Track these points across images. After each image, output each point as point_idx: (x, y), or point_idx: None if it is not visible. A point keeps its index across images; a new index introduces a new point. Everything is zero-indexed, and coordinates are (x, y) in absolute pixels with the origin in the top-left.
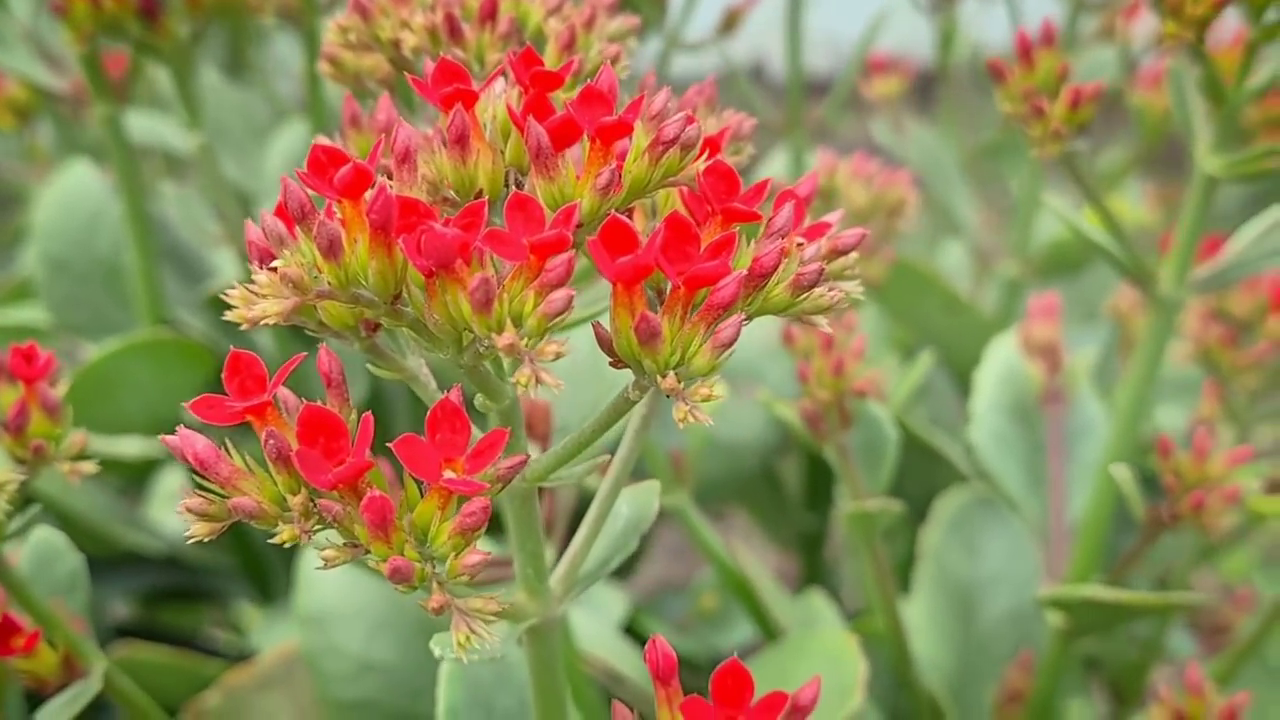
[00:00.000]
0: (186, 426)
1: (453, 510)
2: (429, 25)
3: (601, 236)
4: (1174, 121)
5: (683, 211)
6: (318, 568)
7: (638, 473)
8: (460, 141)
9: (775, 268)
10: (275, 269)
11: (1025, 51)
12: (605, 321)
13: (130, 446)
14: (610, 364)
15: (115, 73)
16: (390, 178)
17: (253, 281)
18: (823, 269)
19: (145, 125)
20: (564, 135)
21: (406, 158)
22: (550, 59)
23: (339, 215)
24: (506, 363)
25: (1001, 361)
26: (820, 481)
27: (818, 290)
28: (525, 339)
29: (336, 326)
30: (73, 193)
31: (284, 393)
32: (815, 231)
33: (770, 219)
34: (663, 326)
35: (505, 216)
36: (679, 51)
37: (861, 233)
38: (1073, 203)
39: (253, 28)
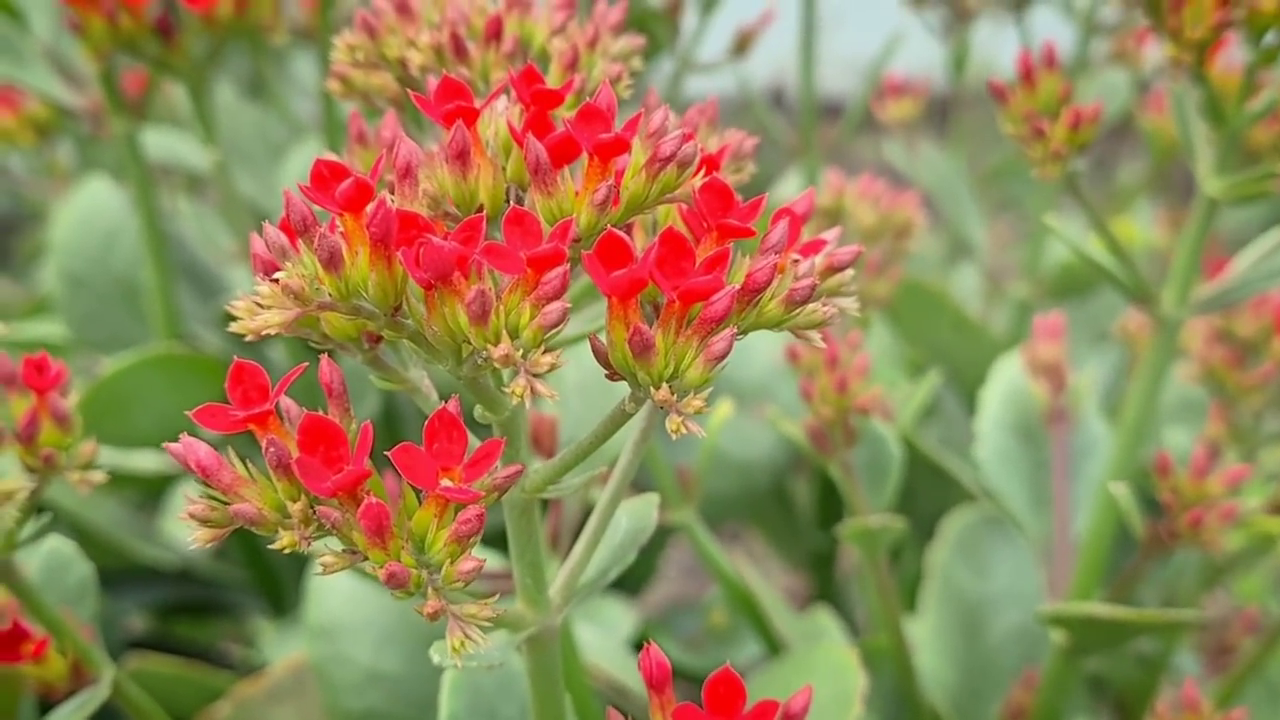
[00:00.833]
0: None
1: (449, 518)
2: (435, 44)
3: (597, 251)
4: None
5: (681, 228)
6: (317, 574)
7: (645, 489)
8: (461, 157)
9: (768, 283)
10: (278, 280)
11: (1027, 73)
12: (593, 340)
13: (145, 461)
14: (606, 376)
15: (133, 90)
16: (393, 192)
17: (257, 294)
18: (815, 284)
19: (163, 143)
20: (563, 152)
21: (408, 172)
22: (553, 78)
23: (341, 228)
24: (507, 375)
25: (1006, 381)
26: (832, 500)
27: (811, 305)
28: (521, 351)
29: (339, 338)
30: (91, 210)
31: (286, 402)
32: (811, 248)
33: (765, 235)
34: (656, 339)
35: (503, 231)
36: (694, 73)
37: (857, 250)
38: (1085, 224)
39: (270, 46)
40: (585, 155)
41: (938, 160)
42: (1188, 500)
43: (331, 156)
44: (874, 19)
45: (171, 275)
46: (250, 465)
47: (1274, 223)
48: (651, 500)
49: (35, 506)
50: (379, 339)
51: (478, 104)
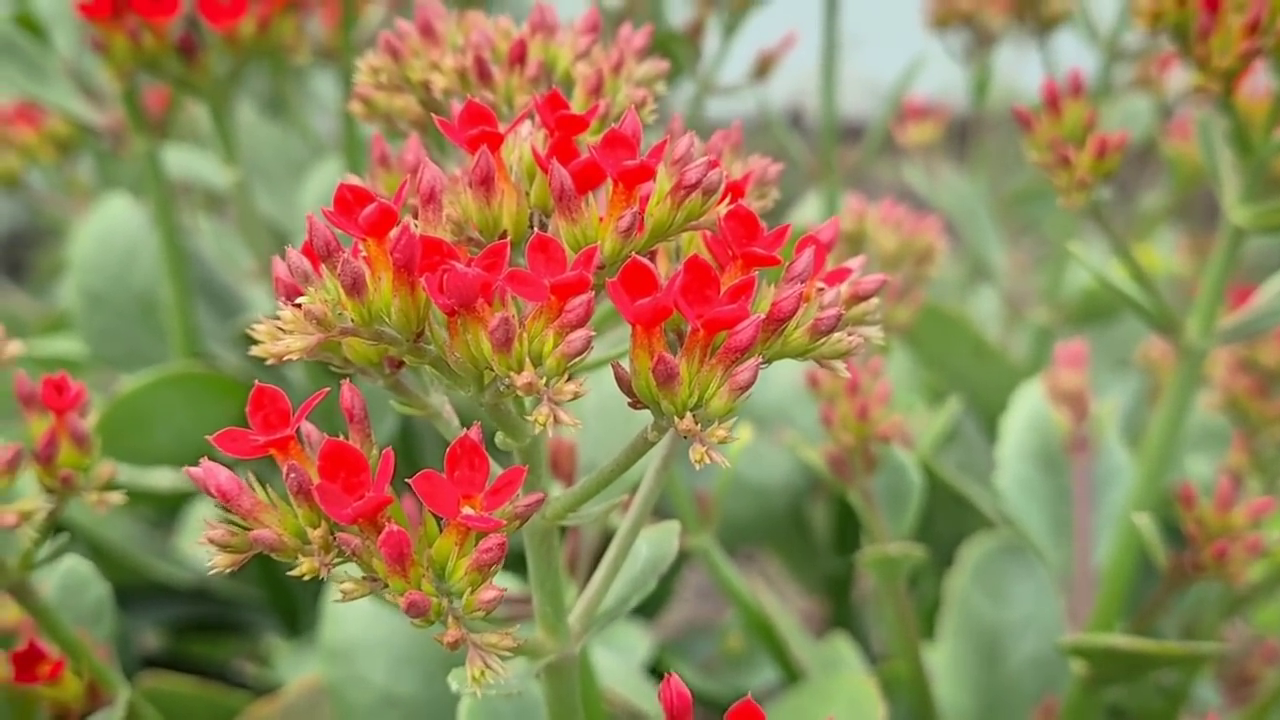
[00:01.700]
0: (214, 460)
1: (470, 546)
2: (459, 67)
3: (621, 278)
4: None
5: (705, 255)
6: (335, 600)
7: (663, 512)
8: (485, 183)
9: (794, 312)
10: (300, 305)
11: (1053, 101)
12: (616, 368)
13: (162, 479)
14: (629, 404)
15: (155, 108)
16: (416, 217)
17: (278, 318)
18: (840, 314)
19: (182, 161)
20: (587, 178)
21: (432, 198)
22: (577, 103)
23: (364, 253)
24: (529, 402)
25: (1028, 408)
26: (849, 526)
27: (836, 335)
28: (544, 378)
29: (361, 363)
30: (111, 227)
31: (307, 427)
32: (836, 276)
33: (790, 264)
34: (681, 368)
35: (527, 257)
36: (714, 96)
37: (882, 279)
38: (1107, 250)
39: (291, 66)
40: (609, 181)
41: (958, 183)
42: (1212, 532)
43: (354, 179)
44: (892, 40)
45: (190, 293)
46: (270, 490)
47: None
48: (672, 529)
49: (53, 527)
50: (400, 364)
51: (501, 129)
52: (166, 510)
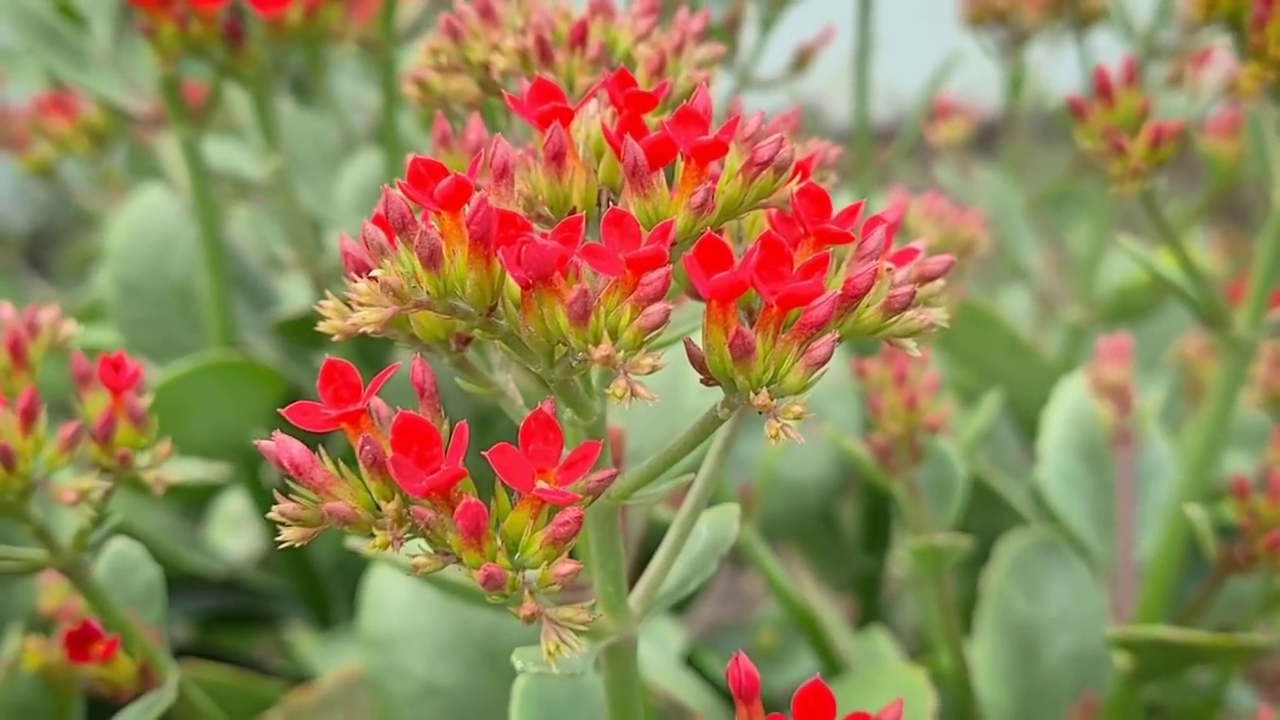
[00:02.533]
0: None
1: (544, 520)
2: (520, 48)
3: (697, 253)
4: (1244, 170)
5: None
6: (409, 574)
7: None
8: (557, 158)
9: (868, 289)
10: (375, 278)
11: (1105, 89)
12: (688, 344)
13: (194, 469)
14: (701, 381)
15: (193, 98)
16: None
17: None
18: (914, 291)
19: (217, 151)
20: (660, 154)
21: (505, 173)
22: (640, 83)
23: (436, 227)
24: (595, 379)
25: (1071, 402)
26: (878, 523)
27: (908, 313)
28: (621, 352)
29: (428, 339)
30: (146, 217)
31: (376, 401)
32: (904, 257)
33: (862, 241)
34: (757, 344)
35: (602, 232)
36: (750, 89)
37: (950, 259)
38: (1144, 247)
39: (324, 58)
40: (678, 159)
41: (991, 182)
42: (1266, 523)
43: (421, 158)
44: (901, 45)
45: (228, 283)
46: (340, 465)
47: None
48: (732, 511)
49: (108, 506)
50: (467, 341)
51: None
52: (194, 502)
